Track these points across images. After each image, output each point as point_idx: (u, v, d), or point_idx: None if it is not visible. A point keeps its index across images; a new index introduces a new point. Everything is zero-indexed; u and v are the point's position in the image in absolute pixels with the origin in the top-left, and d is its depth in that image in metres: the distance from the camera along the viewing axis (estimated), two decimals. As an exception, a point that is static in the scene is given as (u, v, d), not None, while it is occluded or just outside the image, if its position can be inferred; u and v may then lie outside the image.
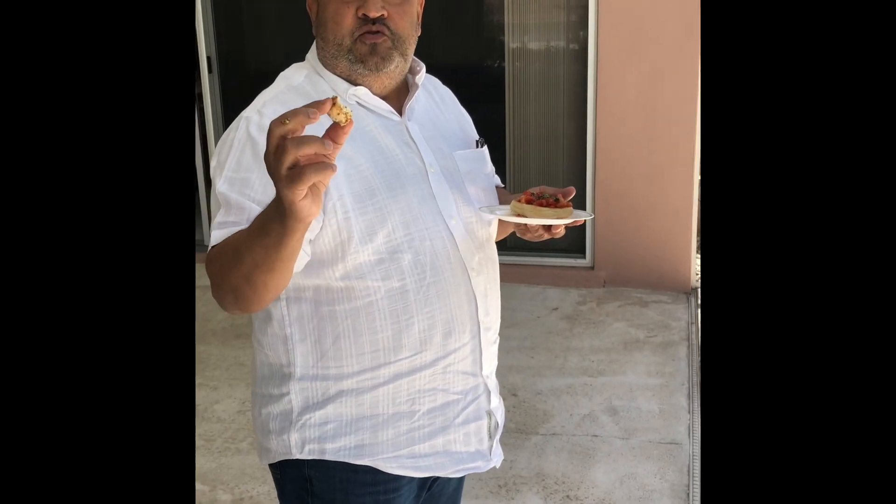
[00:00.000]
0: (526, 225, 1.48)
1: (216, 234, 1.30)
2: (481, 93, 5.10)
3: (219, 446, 3.28)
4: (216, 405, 3.64)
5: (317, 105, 0.99)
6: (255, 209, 1.25)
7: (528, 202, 1.45)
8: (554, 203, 1.45)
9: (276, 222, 1.07)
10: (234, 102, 5.68)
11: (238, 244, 1.20)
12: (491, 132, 1.62)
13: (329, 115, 1.00)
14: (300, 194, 1.00)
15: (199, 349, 4.25)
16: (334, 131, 1.01)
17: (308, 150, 0.99)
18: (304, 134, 1.00)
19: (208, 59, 5.43)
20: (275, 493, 2.92)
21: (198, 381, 3.88)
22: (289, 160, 0.98)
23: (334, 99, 0.99)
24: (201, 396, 3.72)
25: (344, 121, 1.00)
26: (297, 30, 5.52)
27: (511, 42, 5.10)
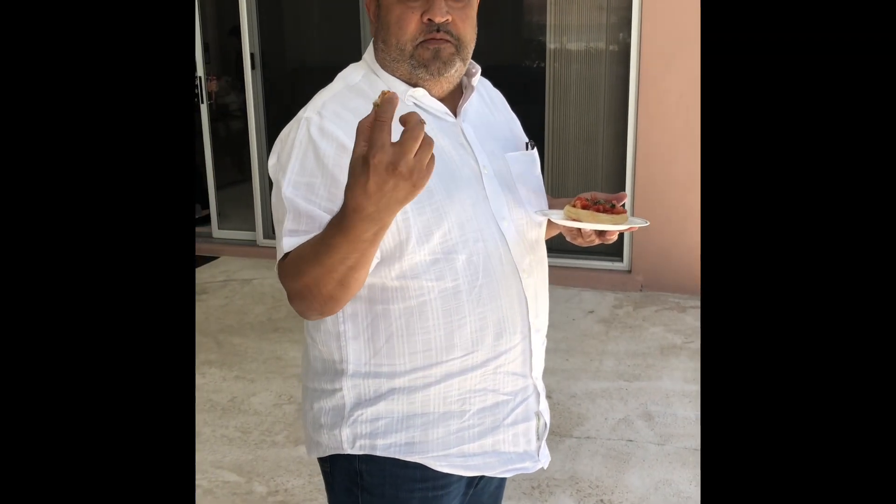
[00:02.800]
0: (580, 230, 1.48)
1: (289, 242, 1.31)
2: (520, 93, 5.09)
3: (255, 438, 3.31)
4: (252, 398, 3.67)
5: (366, 122, 1.06)
6: (325, 218, 1.26)
7: (584, 207, 1.44)
8: (610, 209, 1.44)
9: (365, 222, 1.11)
10: (275, 97, 5.74)
11: (318, 250, 1.21)
12: (530, 134, 1.62)
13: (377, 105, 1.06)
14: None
15: (236, 342, 4.30)
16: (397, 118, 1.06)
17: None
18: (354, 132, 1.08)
19: (251, 55, 5.49)
20: (310, 487, 2.97)
21: (235, 373, 3.92)
22: (422, 159, 1.06)
23: (375, 107, 1.05)
24: (238, 389, 3.76)
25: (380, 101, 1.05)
26: (337, 27, 5.58)
27: (551, 43, 5.09)
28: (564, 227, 1.49)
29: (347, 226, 1.12)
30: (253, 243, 5.81)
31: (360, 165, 1.06)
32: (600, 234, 1.46)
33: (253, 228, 5.85)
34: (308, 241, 1.26)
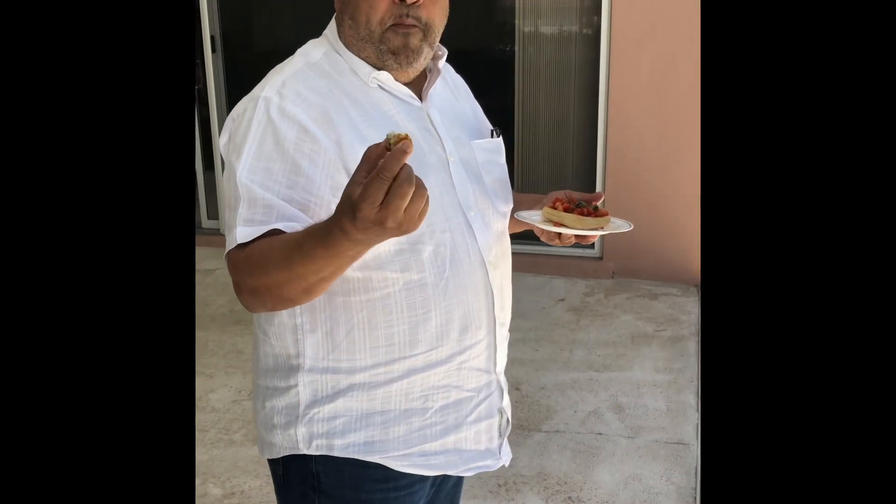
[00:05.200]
0: (559, 233, 1.44)
1: (243, 232, 1.23)
2: (490, 78, 4.98)
3: (212, 437, 3.19)
4: (211, 394, 3.55)
5: (373, 155, 1.02)
6: (284, 207, 1.23)
7: (567, 210, 1.41)
8: (593, 212, 1.42)
9: (351, 244, 1.08)
10: (238, 84, 5.57)
11: (290, 255, 1.16)
12: (499, 119, 1.55)
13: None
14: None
15: (197, 335, 4.16)
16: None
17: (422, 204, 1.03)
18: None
19: (212, 38, 5.32)
20: (267, 489, 2.85)
21: (194, 368, 3.79)
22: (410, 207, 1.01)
23: (388, 142, 1.01)
24: (196, 385, 3.63)
25: (395, 142, 1.01)
26: (309, 8, 5.41)
27: (523, 26, 4.97)
28: (543, 230, 1.44)
29: (331, 242, 1.08)
30: (201, 231, 5.61)
31: (350, 205, 1.02)
32: (580, 236, 1.43)
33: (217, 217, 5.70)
34: (277, 240, 1.19)
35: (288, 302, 1.23)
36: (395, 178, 0.98)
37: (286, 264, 1.16)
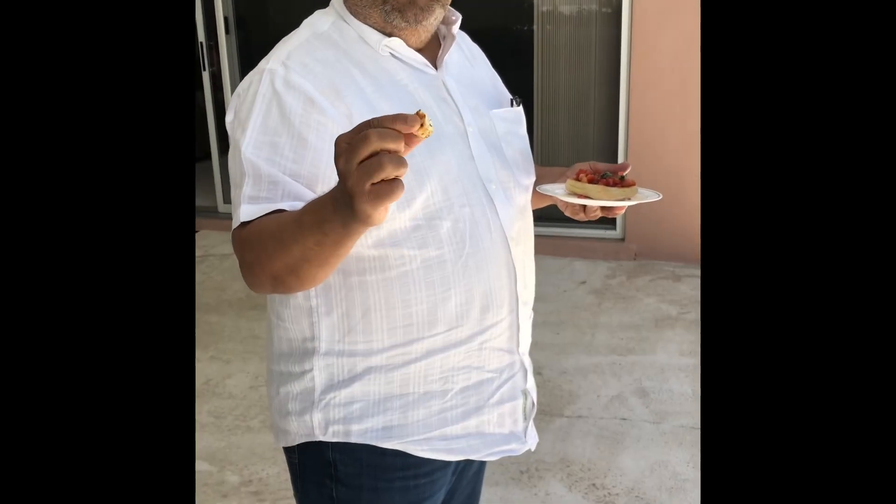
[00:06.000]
0: (583, 205, 1.37)
1: (247, 210, 1.17)
2: (508, 57, 4.89)
3: (229, 424, 3.15)
4: (228, 380, 3.51)
5: (403, 121, 0.88)
6: (290, 184, 1.17)
7: (591, 181, 1.34)
8: (619, 182, 1.34)
9: (335, 223, 0.97)
10: (252, 65, 5.50)
11: (283, 233, 1.08)
12: (518, 97, 1.47)
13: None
14: (381, 210, 0.90)
15: (213, 320, 4.12)
16: (409, 139, 0.89)
17: (392, 145, 0.87)
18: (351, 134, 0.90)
19: (225, 19, 5.25)
20: (285, 476, 2.80)
21: (210, 354, 3.75)
22: (366, 152, 0.87)
23: (422, 116, 0.89)
24: (213, 370, 3.59)
25: (424, 135, 0.90)
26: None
27: (541, 5, 4.87)
28: (567, 202, 1.37)
29: (316, 214, 1.01)
30: (215, 214, 5.53)
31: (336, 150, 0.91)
32: (607, 208, 1.35)
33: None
34: (275, 217, 1.14)
35: (275, 280, 1.13)
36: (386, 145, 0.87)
37: (279, 237, 1.09)
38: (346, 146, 0.89)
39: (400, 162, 0.87)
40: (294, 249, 1.06)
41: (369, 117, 1.22)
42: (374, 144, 0.87)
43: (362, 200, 0.89)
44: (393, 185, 0.88)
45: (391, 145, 0.87)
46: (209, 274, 4.78)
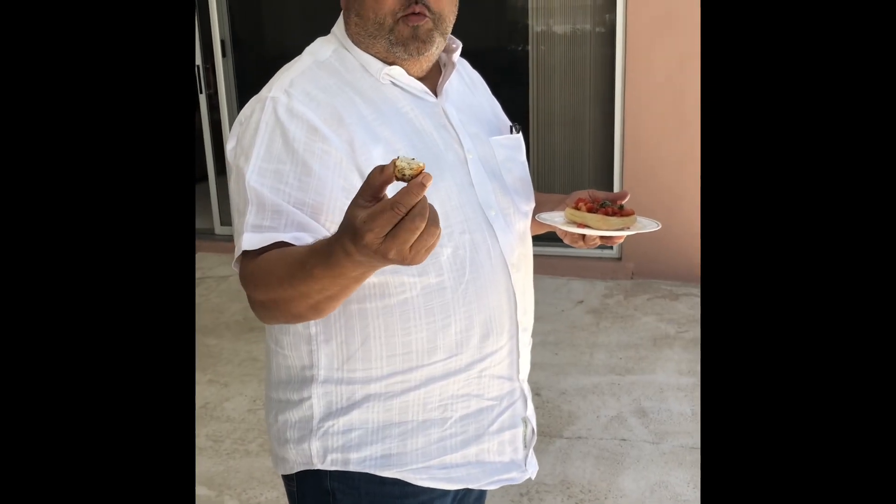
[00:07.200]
0: (583, 235, 1.38)
1: (250, 239, 1.18)
2: (504, 77, 4.91)
3: (227, 448, 3.13)
4: (226, 403, 3.49)
5: (378, 181, 0.94)
6: (294, 214, 1.18)
7: (591, 210, 1.35)
8: (618, 211, 1.36)
9: (353, 265, 1.00)
10: (249, 88, 5.52)
11: (294, 273, 1.10)
12: (514, 118, 1.50)
13: (395, 177, 0.93)
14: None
15: (211, 343, 4.11)
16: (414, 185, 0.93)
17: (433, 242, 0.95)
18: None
19: (222, 42, 5.27)
20: (284, 501, 2.79)
21: (208, 377, 3.74)
22: (418, 244, 0.94)
23: (394, 162, 0.92)
24: (211, 393, 3.58)
25: (410, 174, 0.92)
26: (318, 8, 5.35)
27: (535, 25, 4.90)
28: (566, 232, 1.38)
29: (334, 262, 1.01)
30: (211, 237, 5.52)
31: (353, 229, 0.94)
32: (606, 237, 1.37)
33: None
34: (282, 256, 1.13)
35: (297, 317, 1.18)
36: (408, 212, 0.91)
37: (290, 282, 1.10)
38: (400, 240, 0.92)
39: (431, 230, 0.93)
40: (313, 290, 1.09)
41: (370, 144, 1.23)
42: (426, 243, 0.94)
43: (414, 263, 0.95)
44: (421, 251, 0.94)
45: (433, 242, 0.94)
46: (206, 296, 4.77)
